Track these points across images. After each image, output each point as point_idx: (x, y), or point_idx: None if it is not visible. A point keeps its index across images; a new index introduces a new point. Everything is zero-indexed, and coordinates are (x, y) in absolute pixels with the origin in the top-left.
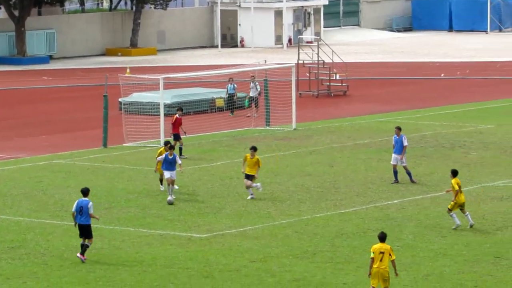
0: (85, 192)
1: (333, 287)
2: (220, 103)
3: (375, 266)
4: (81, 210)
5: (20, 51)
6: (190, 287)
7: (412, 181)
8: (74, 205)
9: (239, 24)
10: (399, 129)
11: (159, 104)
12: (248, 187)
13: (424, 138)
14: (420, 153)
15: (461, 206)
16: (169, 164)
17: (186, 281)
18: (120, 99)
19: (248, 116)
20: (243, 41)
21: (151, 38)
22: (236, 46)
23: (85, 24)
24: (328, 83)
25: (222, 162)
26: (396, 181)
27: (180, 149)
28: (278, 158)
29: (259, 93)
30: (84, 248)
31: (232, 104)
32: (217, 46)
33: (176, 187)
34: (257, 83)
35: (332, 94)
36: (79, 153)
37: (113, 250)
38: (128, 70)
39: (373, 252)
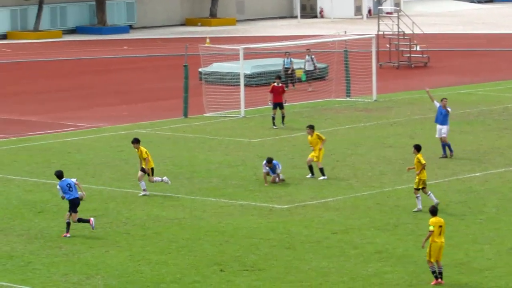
0: (60, 175)
1: (416, 260)
2: (299, 73)
3: (437, 240)
4: (70, 187)
5: (101, 21)
6: (272, 258)
7: (450, 155)
8: (59, 189)
9: None
10: (446, 100)
11: (239, 74)
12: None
13: (507, 110)
14: (502, 125)
15: (424, 184)
16: None
17: (268, 252)
18: (200, 69)
19: (310, 91)
20: (322, 11)
21: (231, 8)
22: (315, 16)
23: None
24: (408, 54)
25: (302, 133)
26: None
27: (274, 118)
28: (359, 130)
29: (315, 67)
30: (68, 226)
31: (290, 78)
32: (296, 17)
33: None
34: (313, 56)
35: (412, 65)
36: (160, 123)
37: (195, 220)
38: (208, 40)
39: (433, 226)
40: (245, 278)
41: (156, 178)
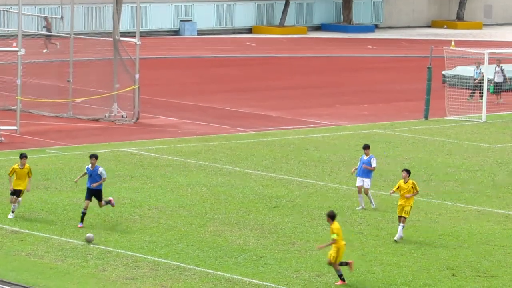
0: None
1: None
2: None
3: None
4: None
5: (346, 19)
6: (505, 265)
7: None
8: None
9: None
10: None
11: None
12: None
13: None
14: None
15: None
16: None
17: (501, 259)
18: (443, 72)
19: (497, 103)
20: None
21: (478, 12)
22: None
23: None
24: None
25: None
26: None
27: None
28: None
29: (505, 79)
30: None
31: (477, 89)
32: None
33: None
34: (503, 67)
35: None
36: (400, 124)
37: (429, 223)
38: (453, 43)
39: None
40: (477, 284)
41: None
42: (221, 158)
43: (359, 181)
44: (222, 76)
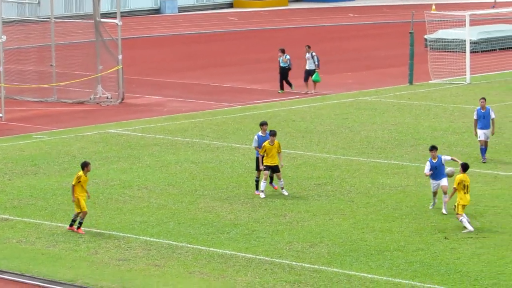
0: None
1: None
2: None
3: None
4: None
5: None
6: (496, 225)
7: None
8: None
9: None
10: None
11: (464, 41)
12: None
13: None
14: None
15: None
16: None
17: (492, 220)
18: (425, 36)
19: (306, 92)
20: None
21: None
22: None
23: None
24: None
25: None
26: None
27: None
28: None
29: (318, 66)
30: None
31: (285, 78)
32: None
33: None
34: (313, 53)
35: None
36: (385, 90)
37: (419, 187)
38: (433, 7)
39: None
40: (469, 245)
41: None
42: (208, 134)
43: (434, 186)
44: (205, 52)
